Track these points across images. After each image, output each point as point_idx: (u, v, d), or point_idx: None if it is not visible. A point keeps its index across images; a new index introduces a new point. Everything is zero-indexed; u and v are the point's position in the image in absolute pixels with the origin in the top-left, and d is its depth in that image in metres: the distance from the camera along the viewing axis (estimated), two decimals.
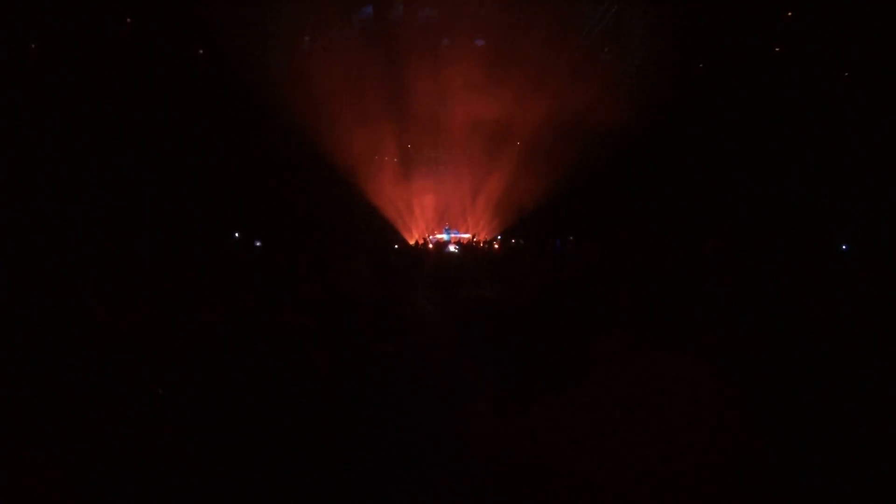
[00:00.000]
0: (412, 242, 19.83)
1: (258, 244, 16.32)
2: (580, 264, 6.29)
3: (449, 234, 21.68)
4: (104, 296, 5.48)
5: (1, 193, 12.91)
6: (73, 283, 5.45)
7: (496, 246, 18.95)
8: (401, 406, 2.57)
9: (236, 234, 18.41)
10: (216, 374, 2.23)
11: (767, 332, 2.58)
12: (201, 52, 16.89)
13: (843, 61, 15.60)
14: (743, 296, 3.05)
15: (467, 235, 22.14)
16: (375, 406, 2.43)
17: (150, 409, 2.27)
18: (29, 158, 14.11)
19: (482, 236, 22.05)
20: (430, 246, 14.29)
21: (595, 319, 3.75)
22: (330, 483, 2.01)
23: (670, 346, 1.64)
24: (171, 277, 4.19)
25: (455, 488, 2.20)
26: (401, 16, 16.88)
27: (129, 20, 14.85)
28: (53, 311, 2.14)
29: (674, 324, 1.67)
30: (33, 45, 14.32)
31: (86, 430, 1.93)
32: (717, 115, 17.53)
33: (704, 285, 3.65)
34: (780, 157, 17.16)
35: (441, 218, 23.97)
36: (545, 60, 17.32)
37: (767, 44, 16.38)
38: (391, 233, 21.99)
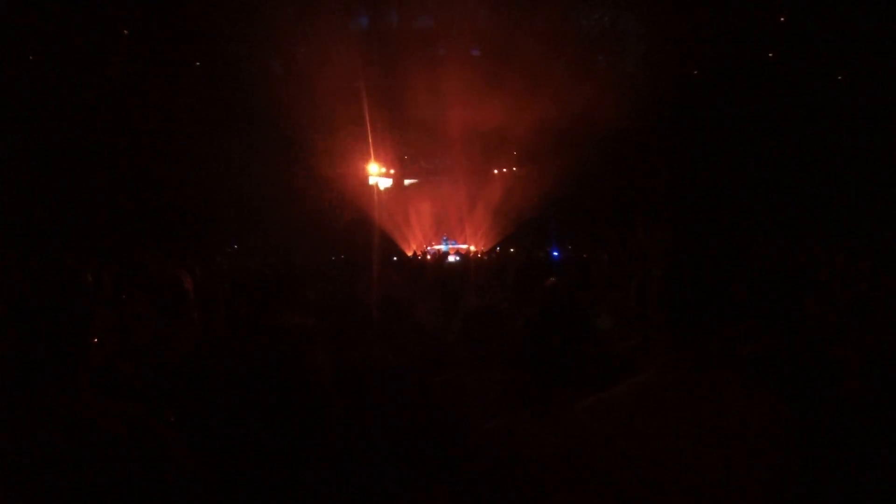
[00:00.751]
0: (410, 253, 19.84)
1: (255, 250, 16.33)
2: (582, 272, 6.28)
3: (447, 244, 21.68)
4: (104, 300, 5.47)
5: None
6: (73, 287, 5.42)
7: (495, 255, 18.96)
8: (404, 410, 2.55)
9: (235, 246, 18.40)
10: (218, 378, 2.22)
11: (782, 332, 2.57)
12: (198, 63, 16.93)
13: (840, 63, 15.72)
14: (757, 298, 3.04)
15: (465, 246, 22.14)
16: (378, 411, 2.41)
17: (152, 413, 2.28)
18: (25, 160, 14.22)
19: (481, 246, 22.08)
20: (429, 257, 14.29)
21: (602, 326, 3.74)
22: (332, 486, 1.99)
23: (682, 351, 1.63)
24: (171, 283, 4.16)
25: (459, 492, 2.19)
26: (397, 25, 16.96)
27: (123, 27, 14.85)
28: (52, 314, 2.15)
29: (685, 327, 1.67)
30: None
31: (87, 434, 1.93)
32: (714, 117, 17.64)
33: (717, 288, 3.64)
34: (780, 159, 17.27)
35: (439, 229, 24.00)
36: (541, 68, 17.39)
37: (765, 46, 16.48)
38: (390, 243, 22.03)
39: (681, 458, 1.44)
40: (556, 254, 14.88)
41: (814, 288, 5.84)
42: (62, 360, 2.13)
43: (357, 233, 20.70)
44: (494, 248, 22.37)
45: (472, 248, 21.40)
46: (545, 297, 2.54)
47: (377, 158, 22.97)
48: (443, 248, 21.26)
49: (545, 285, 4.39)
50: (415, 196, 24.68)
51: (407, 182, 24.58)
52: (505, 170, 24.24)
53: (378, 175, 23.63)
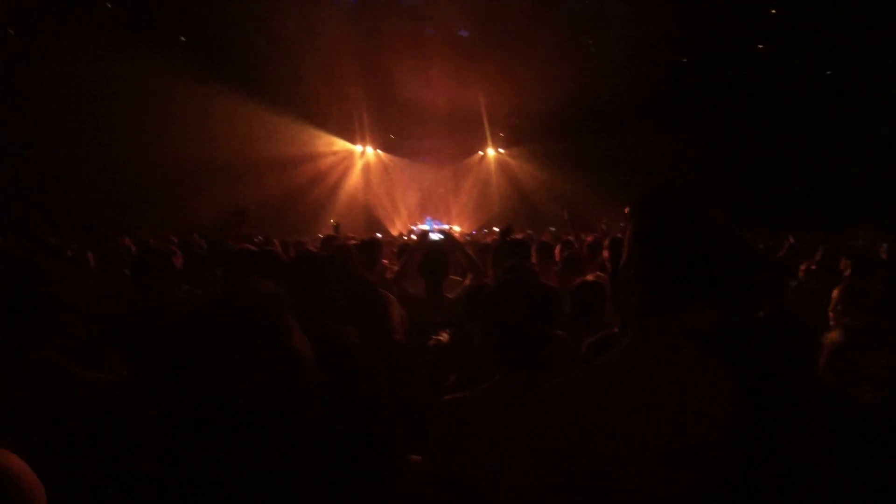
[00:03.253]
0: (395, 233, 19.89)
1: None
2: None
3: (431, 225, 21.75)
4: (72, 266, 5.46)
5: None
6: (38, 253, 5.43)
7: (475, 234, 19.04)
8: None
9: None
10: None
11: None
12: (183, 38, 16.72)
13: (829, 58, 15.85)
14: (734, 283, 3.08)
15: (447, 227, 22.22)
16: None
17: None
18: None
19: (466, 228, 22.17)
20: (414, 236, 14.33)
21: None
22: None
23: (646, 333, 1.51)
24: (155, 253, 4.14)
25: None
26: (385, 2, 16.84)
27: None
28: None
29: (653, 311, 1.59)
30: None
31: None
32: (700, 106, 17.74)
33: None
34: (764, 150, 17.44)
35: (423, 210, 24.10)
36: (527, 50, 17.37)
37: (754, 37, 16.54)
38: (375, 224, 22.12)
39: (641, 440, 1.37)
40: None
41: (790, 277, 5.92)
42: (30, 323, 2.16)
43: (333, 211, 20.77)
44: (481, 229, 22.50)
45: (457, 229, 21.46)
46: (506, 274, 2.51)
47: (361, 136, 23.02)
48: (427, 227, 21.31)
49: (506, 264, 4.36)
50: (399, 177, 24.75)
51: (391, 162, 24.58)
52: (492, 152, 24.32)
53: (362, 153, 23.70)
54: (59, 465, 1.82)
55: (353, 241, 6.74)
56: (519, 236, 6.72)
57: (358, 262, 4.48)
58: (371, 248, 5.49)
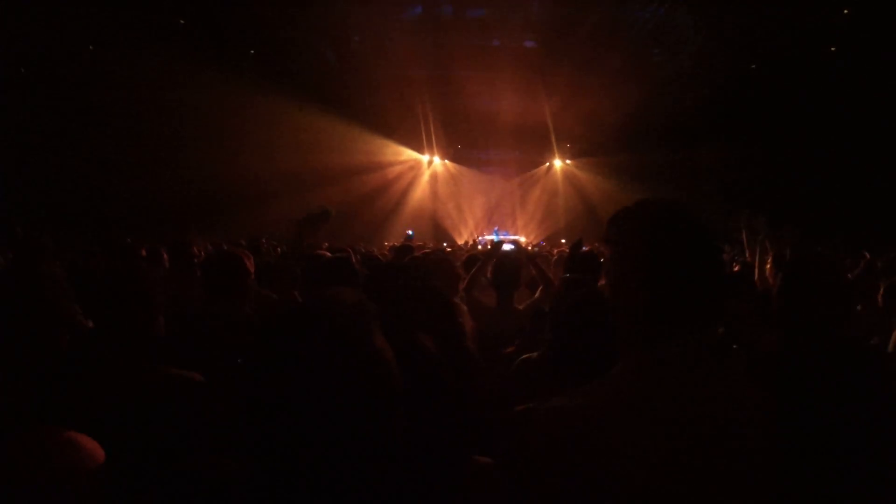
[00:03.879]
0: (461, 242, 20.00)
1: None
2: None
3: (498, 235, 21.77)
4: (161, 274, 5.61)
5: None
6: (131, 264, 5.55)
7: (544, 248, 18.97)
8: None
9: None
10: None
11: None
12: (253, 51, 17.12)
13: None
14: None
15: (514, 237, 22.16)
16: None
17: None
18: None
19: (532, 239, 22.11)
20: (480, 247, 14.38)
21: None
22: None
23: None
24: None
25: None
26: (451, 14, 16.96)
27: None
28: None
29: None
30: None
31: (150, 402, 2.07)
32: (772, 114, 17.30)
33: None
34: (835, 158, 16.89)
35: (489, 219, 24.12)
36: (595, 60, 17.25)
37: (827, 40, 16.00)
38: (442, 233, 22.28)
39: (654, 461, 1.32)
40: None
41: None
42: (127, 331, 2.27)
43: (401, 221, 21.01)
44: (541, 242, 22.43)
45: (522, 239, 21.44)
46: (567, 289, 2.52)
47: (429, 146, 23.23)
48: (493, 238, 21.33)
49: (565, 279, 4.33)
50: (466, 187, 24.87)
51: (458, 172, 24.73)
52: (559, 163, 24.22)
53: (429, 163, 23.92)
54: (140, 461, 1.91)
55: (425, 250, 6.84)
56: (587, 249, 6.70)
57: (452, 277, 4.55)
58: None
